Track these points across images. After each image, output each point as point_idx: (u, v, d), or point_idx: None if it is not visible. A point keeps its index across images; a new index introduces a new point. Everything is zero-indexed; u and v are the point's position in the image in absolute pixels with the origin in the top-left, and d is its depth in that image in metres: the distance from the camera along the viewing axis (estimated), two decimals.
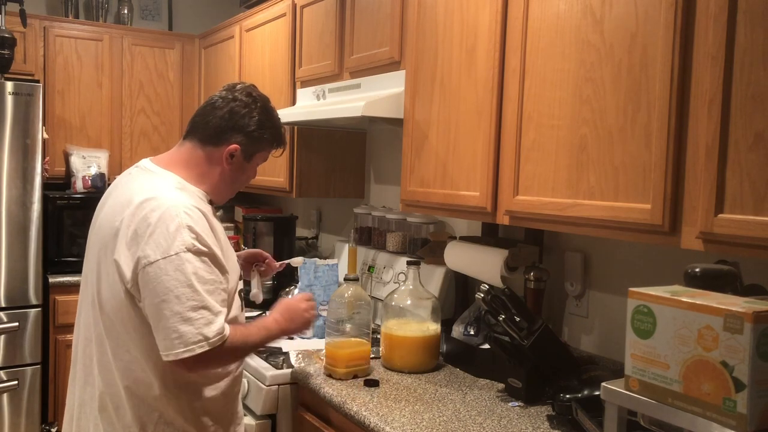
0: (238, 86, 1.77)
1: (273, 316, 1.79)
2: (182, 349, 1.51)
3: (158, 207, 1.55)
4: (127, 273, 1.55)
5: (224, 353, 1.59)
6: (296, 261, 2.33)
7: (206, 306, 1.54)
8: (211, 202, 1.75)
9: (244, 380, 2.23)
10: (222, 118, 1.70)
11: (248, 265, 2.14)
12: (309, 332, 2.07)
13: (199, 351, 1.52)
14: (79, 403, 1.70)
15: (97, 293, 1.64)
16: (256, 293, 2.14)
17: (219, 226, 1.71)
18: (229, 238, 3.75)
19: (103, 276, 1.62)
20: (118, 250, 1.57)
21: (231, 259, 1.71)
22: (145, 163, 1.74)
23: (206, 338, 1.52)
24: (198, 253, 1.54)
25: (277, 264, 2.18)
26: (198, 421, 1.68)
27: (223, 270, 1.61)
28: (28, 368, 3.50)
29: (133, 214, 1.57)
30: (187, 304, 1.51)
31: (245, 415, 2.19)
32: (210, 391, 1.70)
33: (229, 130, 1.70)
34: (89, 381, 1.67)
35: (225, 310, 1.59)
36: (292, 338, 2.57)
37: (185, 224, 1.54)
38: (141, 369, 1.61)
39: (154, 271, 1.51)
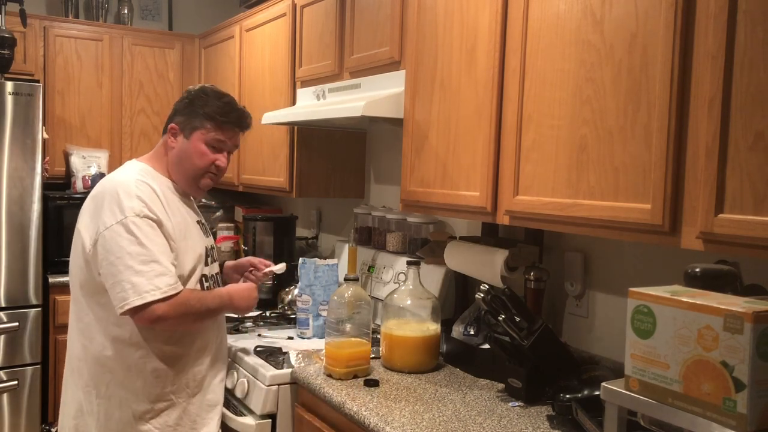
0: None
1: (226, 289, 1.98)
2: (134, 298, 1.67)
3: (113, 182, 1.82)
4: (88, 241, 1.77)
5: (177, 307, 1.74)
6: (278, 268, 2.32)
7: (156, 260, 1.73)
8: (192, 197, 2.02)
9: (244, 380, 2.23)
10: (173, 110, 1.98)
11: (237, 276, 2.25)
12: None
13: (150, 299, 1.68)
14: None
15: (71, 264, 1.89)
16: (280, 267, 2.34)
17: (183, 211, 1.92)
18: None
19: (73, 248, 1.87)
20: (82, 221, 1.83)
21: (190, 242, 1.90)
22: (127, 161, 2.00)
23: (157, 287, 1.70)
24: (147, 218, 1.75)
25: (261, 274, 2.25)
26: (149, 387, 1.82)
27: (170, 240, 1.80)
28: (28, 368, 3.50)
29: (94, 192, 1.83)
30: (139, 258, 1.71)
31: (244, 414, 2.19)
32: (159, 359, 1.83)
33: (172, 115, 1.97)
34: (68, 346, 1.93)
35: (173, 269, 1.77)
36: (291, 338, 2.58)
37: (134, 194, 1.76)
38: (96, 331, 1.80)
39: (110, 234, 1.72)
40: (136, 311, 1.70)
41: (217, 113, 1.92)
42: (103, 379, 1.81)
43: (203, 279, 1.96)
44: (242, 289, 2.01)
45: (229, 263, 2.31)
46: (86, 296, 1.83)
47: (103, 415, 1.82)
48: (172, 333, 1.85)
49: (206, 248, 2.00)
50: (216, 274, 2.07)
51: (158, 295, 1.70)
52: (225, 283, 2.14)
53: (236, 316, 2.53)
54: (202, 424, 1.93)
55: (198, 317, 1.85)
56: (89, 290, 1.82)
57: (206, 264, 1.98)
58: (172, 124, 1.94)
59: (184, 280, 1.84)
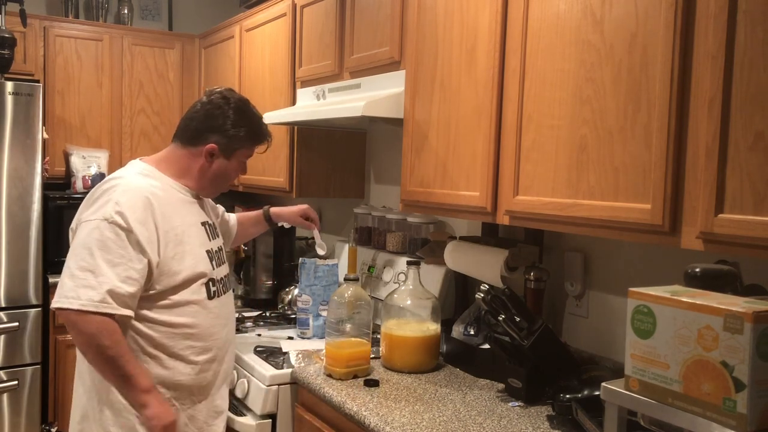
0: (216, 90, 1.94)
1: (149, 388, 1.69)
2: (57, 299, 1.64)
3: (108, 180, 1.78)
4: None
5: (86, 326, 1.62)
6: (319, 243, 2.51)
7: (93, 271, 1.63)
8: (201, 197, 1.95)
9: (244, 380, 2.23)
10: (199, 120, 1.87)
11: (301, 219, 2.44)
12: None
13: (64, 306, 1.61)
14: None
15: None
16: (321, 243, 2.50)
17: (184, 213, 1.84)
18: None
19: None
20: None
21: (188, 246, 1.80)
22: (132, 161, 1.93)
23: (77, 298, 1.61)
24: (114, 224, 1.66)
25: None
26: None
27: (143, 252, 1.68)
28: (28, 368, 3.50)
29: (90, 194, 1.77)
30: (80, 263, 1.64)
31: (244, 414, 2.19)
32: (161, 366, 1.76)
33: (206, 131, 1.86)
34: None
35: (124, 286, 1.64)
36: (291, 338, 2.57)
37: (114, 199, 1.69)
38: None
39: (77, 228, 1.71)
40: (59, 312, 1.65)
41: (256, 132, 1.93)
42: (104, 384, 1.73)
43: (210, 283, 1.85)
44: (163, 405, 1.71)
45: (279, 211, 2.41)
46: None
47: (106, 421, 1.74)
48: (175, 341, 1.77)
49: (210, 251, 1.89)
50: (225, 276, 1.96)
51: (73, 305, 1.60)
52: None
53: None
54: (208, 431, 1.87)
55: (102, 357, 1.64)
56: None
57: (213, 267, 1.88)
58: (212, 145, 1.86)
59: (177, 285, 1.76)
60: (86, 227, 1.68)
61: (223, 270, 1.96)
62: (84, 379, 1.78)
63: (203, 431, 1.86)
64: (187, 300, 1.78)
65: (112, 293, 1.62)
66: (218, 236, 2.01)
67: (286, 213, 2.44)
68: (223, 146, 1.87)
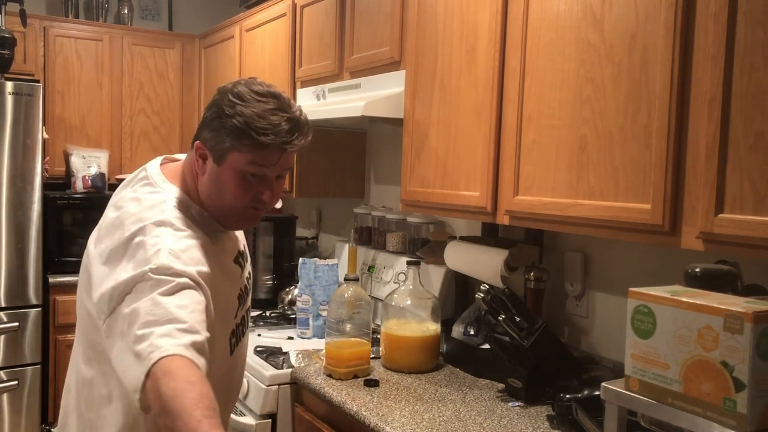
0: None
1: None
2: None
3: (142, 215, 1.32)
4: (96, 281, 1.30)
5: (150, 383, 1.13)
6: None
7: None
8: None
9: (244, 380, 2.23)
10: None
11: None
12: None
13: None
14: None
15: (79, 287, 1.43)
16: None
17: (219, 251, 1.43)
18: None
19: (82, 270, 1.41)
20: (94, 248, 1.36)
21: (223, 295, 1.41)
22: (153, 169, 1.45)
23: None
24: (175, 274, 1.24)
25: None
26: None
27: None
28: (28, 368, 3.50)
29: (117, 218, 1.35)
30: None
31: (244, 414, 2.19)
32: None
33: (198, 128, 1.41)
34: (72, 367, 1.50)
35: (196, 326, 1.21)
36: (291, 338, 2.57)
37: (167, 248, 1.26)
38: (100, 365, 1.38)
39: (116, 284, 1.24)
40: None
41: (256, 127, 1.31)
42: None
43: (236, 327, 1.51)
44: None
45: None
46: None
47: None
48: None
49: (242, 289, 1.53)
50: (248, 310, 1.60)
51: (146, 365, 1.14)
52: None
53: None
54: None
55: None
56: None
57: (239, 304, 1.51)
58: (198, 143, 1.38)
59: (215, 340, 1.34)
60: (143, 282, 1.22)
61: (248, 301, 1.60)
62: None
63: None
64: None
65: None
66: (247, 262, 1.61)
67: None
68: (211, 145, 1.35)
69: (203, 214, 1.42)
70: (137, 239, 1.28)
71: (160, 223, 1.31)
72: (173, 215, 1.35)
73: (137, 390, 1.13)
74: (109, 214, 1.39)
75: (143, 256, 1.25)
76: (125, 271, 1.25)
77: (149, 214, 1.33)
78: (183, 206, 1.39)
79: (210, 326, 1.27)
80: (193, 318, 1.19)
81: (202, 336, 1.18)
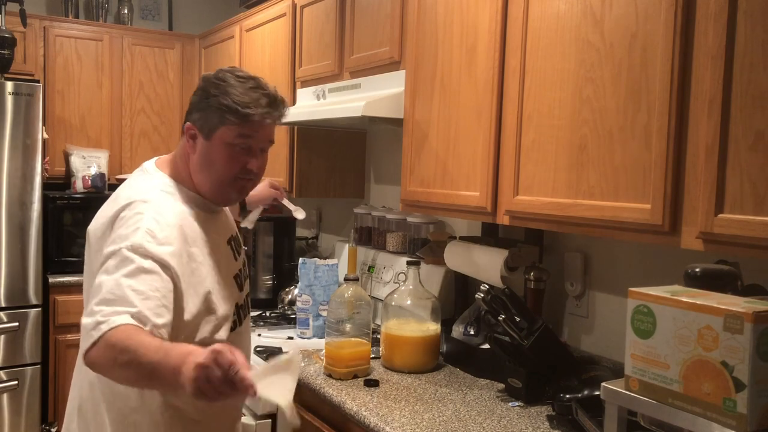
0: None
1: (183, 357, 1.21)
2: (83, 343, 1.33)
3: (131, 197, 1.48)
4: (96, 258, 1.46)
5: (98, 351, 1.28)
6: (296, 209, 2.33)
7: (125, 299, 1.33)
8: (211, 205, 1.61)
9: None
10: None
11: (270, 189, 2.17)
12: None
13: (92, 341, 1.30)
14: None
15: (85, 273, 1.57)
16: (297, 208, 2.26)
17: (212, 231, 1.57)
18: None
19: (86, 255, 1.56)
20: (93, 234, 1.52)
21: (222, 273, 1.56)
22: (148, 163, 1.63)
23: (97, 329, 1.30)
24: (146, 256, 1.37)
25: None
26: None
27: (179, 283, 1.43)
28: (28, 368, 3.50)
29: (113, 205, 1.50)
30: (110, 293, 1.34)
31: (244, 414, 2.19)
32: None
33: (187, 114, 1.57)
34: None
35: (153, 318, 1.33)
36: (291, 338, 2.57)
37: (145, 227, 1.41)
38: None
39: (109, 259, 1.39)
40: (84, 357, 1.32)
41: (240, 102, 1.48)
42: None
43: (237, 309, 1.62)
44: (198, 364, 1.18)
45: (250, 195, 1.88)
46: None
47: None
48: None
49: (238, 273, 1.65)
50: (247, 295, 1.72)
51: (93, 336, 1.29)
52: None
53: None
54: None
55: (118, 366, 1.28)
56: None
57: (239, 290, 1.64)
58: (188, 124, 1.54)
59: (219, 321, 1.53)
60: (117, 257, 1.37)
61: (246, 287, 1.72)
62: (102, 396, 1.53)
63: None
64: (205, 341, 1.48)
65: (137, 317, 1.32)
66: (241, 252, 1.72)
67: (256, 195, 2.10)
68: (200, 123, 1.52)
69: (192, 196, 1.57)
70: (122, 214, 1.45)
71: (144, 200, 1.47)
72: (159, 195, 1.51)
73: (83, 354, 1.30)
74: (108, 201, 1.57)
75: (123, 232, 1.41)
76: (107, 245, 1.42)
77: (137, 193, 1.50)
78: (171, 188, 1.55)
79: (197, 294, 1.47)
80: (145, 305, 1.32)
81: (148, 326, 1.31)
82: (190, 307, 1.47)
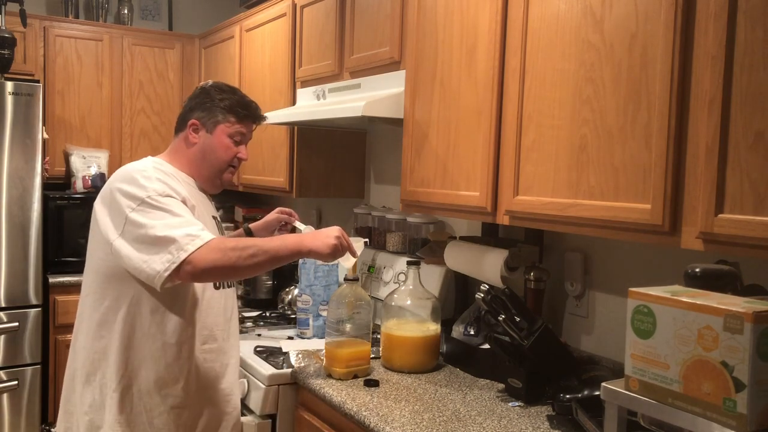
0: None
1: (297, 234, 1.89)
2: (159, 268, 1.63)
3: (130, 170, 1.80)
4: (111, 231, 1.72)
5: (211, 253, 1.64)
6: (305, 228, 2.32)
7: (191, 223, 1.69)
8: (207, 193, 1.99)
9: (244, 380, 2.23)
10: (184, 109, 1.97)
11: (279, 216, 2.29)
12: (335, 260, 1.93)
13: (191, 249, 1.63)
14: None
15: (89, 256, 1.86)
16: (308, 227, 2.26)
17: (201, 203, 1.89)
18: None
19: (91, 238, 1.84)
20: (99, 211, 1.79)
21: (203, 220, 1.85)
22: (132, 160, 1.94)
23: (172, 254, 1.63)
24: (170, 197, 1.73)
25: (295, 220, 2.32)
26: (165, 377, 1.79)
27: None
28: (28, 368, 3.50)
29: (111, 180, 1.80)
30: (174, 223, 1.67)
31: (244, 414, 2.19)
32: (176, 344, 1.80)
33: (189, 112, 1.94)
34: (78, 342, 1.89)
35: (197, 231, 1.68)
36: (291, 338, 2.57)
37: (155, 177, 1.75)
38: (114, 321, 1.80)
39: (138, 214, 1.68)
40: (180, 268, 1.63)
41: (237, 106, 1.93)
42: (117, 371, 1.76)
43: None
44: (320, 231, 1.83)
45: (257, 224, 2.28)
46: (112, 283, 1.76)
47: (116, 408, 1.77)
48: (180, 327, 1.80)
49: None
50: None
51: (197, 244, 1.63)
52: None
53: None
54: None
55: (250, 263, 1.69)
56: (117, 278, 1.76)
57: None
58: (193, 120, 1.91)
59: None
60: (145, 206, 1.68)
61: None
62: (97, 368, 1.79)
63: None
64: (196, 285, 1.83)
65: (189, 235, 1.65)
66: (224, 233, 2.05)
67: (263, 224, 2.33)
68: (204, 119, 1.91)
69: (183, 176, 1.90)
70: (129, 178, 1.76)
71: (145, 168, 1.80)
72: (154, 169, 1.81)
73: (167, 271, 1.62)
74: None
75: (139, 183, 1.73)
76: (125, 198, 1.71)
77: (135, 165, 1.84)
78: (166, 166, 1.88)
79: None
80: (199, 227, 1.68)
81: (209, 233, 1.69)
82: None
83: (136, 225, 1.68)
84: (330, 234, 1.81)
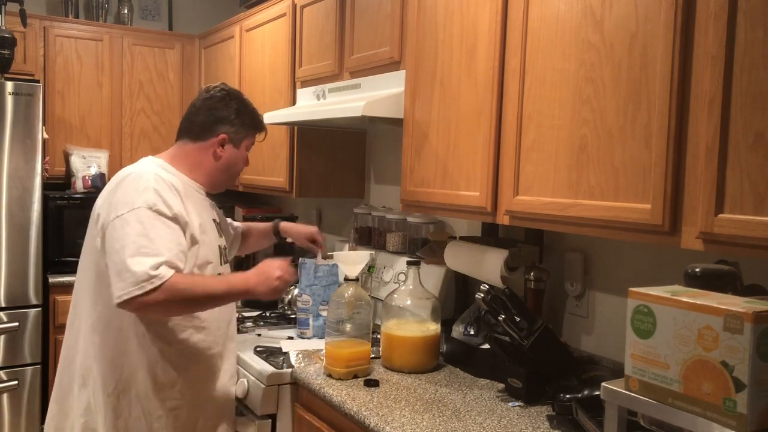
0: (213, 86, 2.01)
1: (244, 273, 1.88)
2: (132, 288, 1.65)
3: (130, 173, 1.82)
4: (100, 231, 1.77)
5: (163, 295, 1.66)
6: (321, 261, 2.49)
7: (157, 254, 1.68)
8: (209, 194, 2.03)
9: (244, 380, 2.23)
10: (205, 115, 1.95)
11: (307, 242, 2.45)
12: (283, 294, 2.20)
13: (147, 288, 1.65)
14: None
15: (84, 258, 1.89)
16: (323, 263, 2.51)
17: (200, 207, 1.92)
18: None
19: (87, 239, 1.87)
20: (97, 213, 1.81)
21: (207, 237, 1.90)
22: (146, 159, 1.95)
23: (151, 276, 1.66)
24: (158, 212, 1.73)
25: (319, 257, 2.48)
26: (160, 383, 1.83)
27: (186, 233, 1.80)
28: (28, 368, 3.50)
29: (111, 183, 1.83)
30: (142, 249, 1.68)
31: (244, 414, 2.19)
32: (175, 354, 1.84)
33: (214, 124, 1.95)
34: (70, 344, 1.93)
35: (177, 262, 1.72)
36: (291, 338, 2.57)
37: (151, 186, 1.76)
38: (108, 325, 1.83)
39: (119, 222, 1.71)
40: (129, 302, 1.66)
41: (256, 121, 2.03)
42: (112, 375, 1.79)
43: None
44: (263, 270, 1.87)
45: (287, 228, 2.43)
46: (106, 286, 1.76)
47: (112, 413, 1.79)
48: (193, 328, 1.86)
49: (220, 247, 1.99)
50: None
51: (155, 283, 1.65)
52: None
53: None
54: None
55: (188, 305, 1.77)
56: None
57: (220, 263, 1.97)
58: (223, 135, 1.95)
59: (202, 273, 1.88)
60: (130, 217, 1.70)
61: (227, 269, 2.04)
62: (90, 371, 1.81)
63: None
64: None
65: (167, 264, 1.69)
66: (223, 235, 2.07)
67: (294, 231, 2.46)
68: (232, 135, 1.96)
69: (183, 178, 1.91)
70: (125, 182, 1.78)
71: (145, 171, 1.81)
72: (156, 169, 1.84)
73: (125, 296, 1.64)
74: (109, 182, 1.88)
75: (131, 196, 1.74)
76: (117, 208, 1.73)
77: (135, 168, 1.85)
78: (167, 167, 1.90)
79: (204, 254, 1.86)
80: (172, 254, 1.71)
81: (179, 270, 1.72)
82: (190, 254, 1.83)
83: (115, 232, 1.71)
84: (272, 275, 1.85)
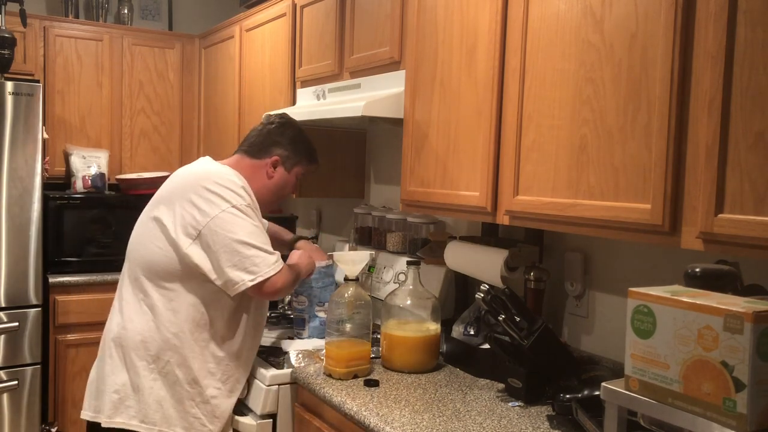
0: (272, 114, 2.26)
1: (297, 253, 2.22)
2: (266, 269, 1.90)
3: (209, 172, 1.99)
4: (180, 230, 1.92)
5: (286, 274, 1.98)
6: (323, 263, 2.52)
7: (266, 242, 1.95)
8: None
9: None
10: (264, 137, 2.15)
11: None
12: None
13: (272, 272, 1.92)
14: None
15: (136, 250, 2.04)
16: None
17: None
18: None
19: (142, 234, 2.03)
20: (162, 210, 1.97)
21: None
22: (207, 159, 2.12)
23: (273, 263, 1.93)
24: (252, 209, 1.97)
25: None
26: (206, 370, 1.99)
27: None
28: (28, 368, 3.50)
29: (181, 181, 2.01)
30: (258, 237, 1.93)
31: (244, 414, 2.19)
32: (218, 344, 2.02)
33: (270, 146, 2.14)
34: (117, 322, 2.07)
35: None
36: (291, 338, 2.57)
37: (241, 186, 1.97)
38: (160, 311, 1.99)
39: (226, 216, 1.90)
40: (260, 285, 1.89)
41: (312, 152, 2.22)
42: (163, 357, 1.93)
43: None
44: (306, 253, 2.24)
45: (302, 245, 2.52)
46: (159, 280, 1.96)
47: (147, 392, 1.92)
48: (232, 324, 2.03)
49: None
50: None
51: (277, 269, 1.92)
52: None
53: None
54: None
55: (297, 280, 2.11)
56: (165, 275, 1.95)
57: None
58: (276, 157, 2.13)
59: None
60: (235, 211, 1.91)
61: None
62: (135, 350, 1.95)
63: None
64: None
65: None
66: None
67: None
68: (285, 159, 2.14)
69: (250, 191, 2.05)
70: (210, 185, 1.94)
71: (228, 177, 1.98)
72: (236, 178, 2.00)
73: (242, 286, 1.90)
74: (177, 176, 2.09)
75: (219, 198, 1.92)
76: (216, 198, 1.92)
77: (219, 172, 2.00)
78: (240, 178, 2.03)
79: None
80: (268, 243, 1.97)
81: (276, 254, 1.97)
82: None
83: (224, 228, 1.89)
84: (312, 257, 2.27)
